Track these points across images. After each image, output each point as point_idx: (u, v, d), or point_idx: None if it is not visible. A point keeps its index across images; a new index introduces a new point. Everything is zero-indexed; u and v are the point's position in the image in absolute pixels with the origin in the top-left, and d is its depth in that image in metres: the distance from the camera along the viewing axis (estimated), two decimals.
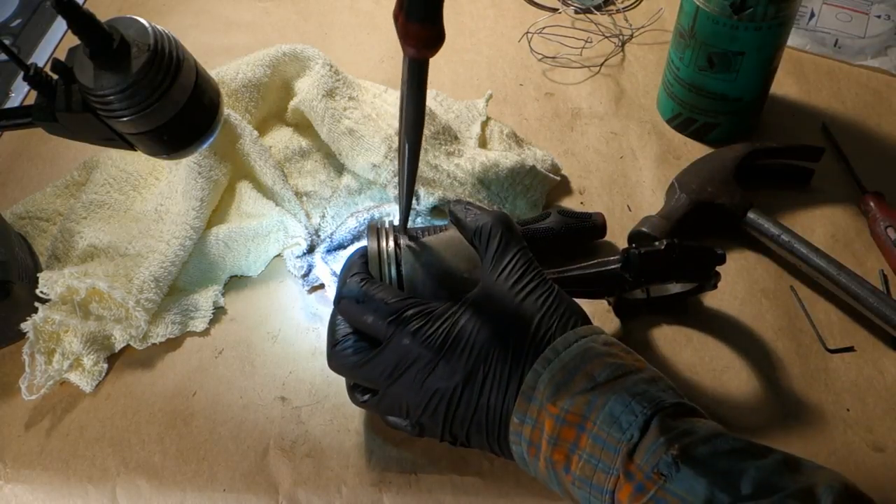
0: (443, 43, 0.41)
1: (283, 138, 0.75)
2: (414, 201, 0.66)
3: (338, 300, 0.51)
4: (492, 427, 0.47)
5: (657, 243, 0.58)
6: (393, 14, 0.42)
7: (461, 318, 0.48)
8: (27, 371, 0.58)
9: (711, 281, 0.59)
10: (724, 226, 0.68)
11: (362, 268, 0.52)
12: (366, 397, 0.51)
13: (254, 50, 0.76)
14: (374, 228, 0.54)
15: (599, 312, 0.63)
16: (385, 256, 0.52)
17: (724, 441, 0.42)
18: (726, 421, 0.56)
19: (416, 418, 0.49)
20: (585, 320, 0.49)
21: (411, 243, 0.53)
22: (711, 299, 0.64)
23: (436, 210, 0.67)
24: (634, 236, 0.66)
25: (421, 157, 0.68)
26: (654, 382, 0.45)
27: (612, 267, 0.58)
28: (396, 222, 0.67)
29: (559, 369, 0.46)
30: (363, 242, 0.65)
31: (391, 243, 0.53)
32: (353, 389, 0.53)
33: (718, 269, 0.59)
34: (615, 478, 0.42)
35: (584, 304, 0.61)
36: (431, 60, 0.44)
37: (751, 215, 0.67)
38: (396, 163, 0.67)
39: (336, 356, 0.51)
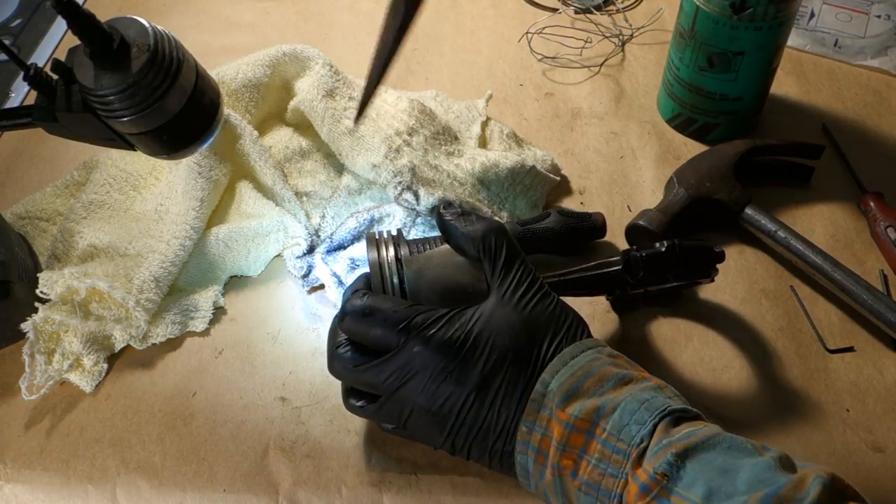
0: None
1: (283, 138, 0.75)
2: (414, 201, 0.66)
3: (341, 317, 0.50)
4: (499, 436, 0.47)
5: (658, 244, 0.58)
6: None
7: (475, 326, 0.48)
8: (27, 371, 0.58)
9: (710, 275, 0.60)
10: (722, 221, 0.68)
11: (364, 284, 0.52)
12: (360, 403, 0.51)
13: (254, 50, 0.76)
14: (374, 240, 0.53)
15: (599, 313, 0.63)
16: (387, 269, 0.51)
17: (722, 440, 0.42)
18: (726, 420, 0.56)
19: (416, 423, 0.49)
20: (589, 332, 0.50)
21: (412, 257, 0.52)
22: (711, 297, 0.64)
23: (436, 210, 0.67)
24: (631, 229, 0.66)
25: (421, 157, 0.68)
26: (660, 390, 0.46)
27: (613, 269, 0.58)
28: (395, 225, 0.67)
29: (568, 377, 0.46)
30: (363, 242, 0.65)
31: (391, 254, 0.52)
32: (347, 394, 0.52)
33: (718, 266, 0.59)
34: (623, 481, 0.43)
35: (583, 303, 0.61)
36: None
37: (748, 211, 0.66)
38: (396, 162, 0.66)
39: (339, 359, 0.50)
